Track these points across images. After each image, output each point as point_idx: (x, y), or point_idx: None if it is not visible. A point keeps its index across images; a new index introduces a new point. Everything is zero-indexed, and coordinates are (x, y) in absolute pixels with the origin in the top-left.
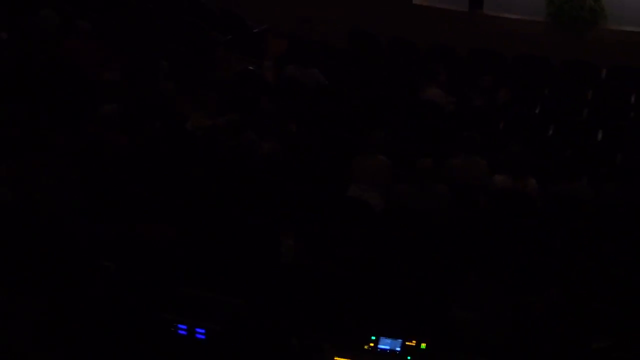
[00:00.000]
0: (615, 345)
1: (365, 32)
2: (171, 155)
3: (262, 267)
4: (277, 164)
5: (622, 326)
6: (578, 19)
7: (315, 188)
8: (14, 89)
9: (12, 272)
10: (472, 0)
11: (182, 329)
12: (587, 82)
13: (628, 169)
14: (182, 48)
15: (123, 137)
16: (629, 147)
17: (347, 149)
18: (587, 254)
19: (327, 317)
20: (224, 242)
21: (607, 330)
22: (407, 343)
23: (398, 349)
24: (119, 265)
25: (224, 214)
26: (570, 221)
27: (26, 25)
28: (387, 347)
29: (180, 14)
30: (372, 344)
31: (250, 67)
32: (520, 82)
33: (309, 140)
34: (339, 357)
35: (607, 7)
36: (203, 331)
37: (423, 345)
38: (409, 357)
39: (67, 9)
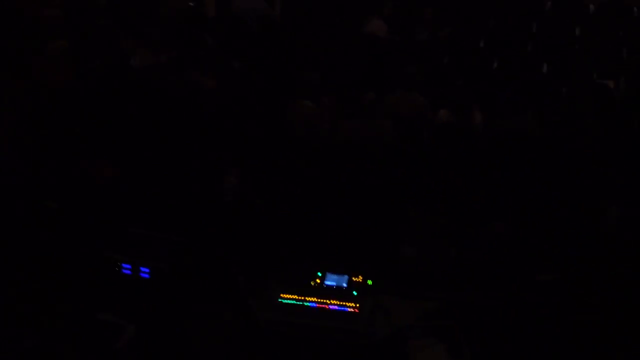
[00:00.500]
0: (559, 278)
1: None
2: (114, 92)
3: (206, 205)
4: (220, 101)
5: (567, 259)
6: None
7: (258, 125)
8: None
9: None
10: None
11: (126, 268)
12: (532, 15)
13: (573, 102)
14: None
15: (68, 73)
16: (574, 80)
17: (287, 87)
18: (532, 187)
19: (273, 254)
20: (167, 179)
21: (551, 264)
22: (353, 279)
23: (344, 285)
24: (61, 204)
25: (166, 152)
26: (516, 155)
27: None
28: (334, 284)
29: None
30: (318, 280)
31: (191, 3)
32: (464, 15)
33: (252, 78)
34: (285, 294)
35: None
36: (147, 270)
37: (370, 281)
38: (354, 293)
39: None
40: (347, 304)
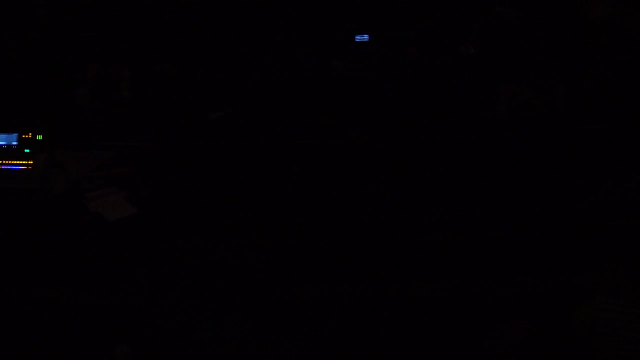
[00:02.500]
0: (230, 114)
1: None
2: None
3: None
4: None
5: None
6: None
7: None
8: None
9: None
10: None
11: None
12: None
13: None
14: None
15: None
16: None
17: None
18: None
19: None
20: None
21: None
22: (23, 136)
23: (15, 143)
24: None
25: None
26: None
27: None
28: (4, 143)
29: None
30: None
31: None
32: None
33: None
34: None
35: None
36: None
37: (39, 137)
38: (27, 150)
39: None
40: (19, 162)
